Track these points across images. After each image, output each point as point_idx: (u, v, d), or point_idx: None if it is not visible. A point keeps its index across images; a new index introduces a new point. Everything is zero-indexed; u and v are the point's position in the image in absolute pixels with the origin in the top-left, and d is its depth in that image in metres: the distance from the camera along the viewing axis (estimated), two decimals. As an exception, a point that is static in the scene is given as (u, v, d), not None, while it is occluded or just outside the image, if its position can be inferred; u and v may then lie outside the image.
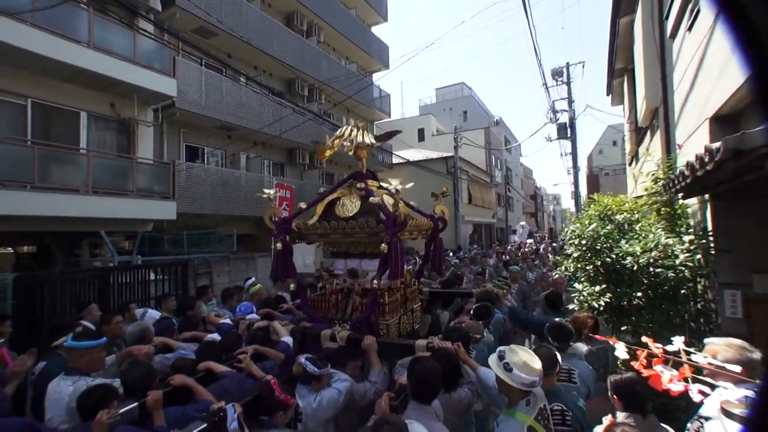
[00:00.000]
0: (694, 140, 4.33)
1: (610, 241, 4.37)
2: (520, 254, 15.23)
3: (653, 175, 4.69)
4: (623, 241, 4.26)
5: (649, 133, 7.68)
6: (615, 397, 2.59)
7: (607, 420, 2.47)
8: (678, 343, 2.08)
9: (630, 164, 10.92)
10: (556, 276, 6.40)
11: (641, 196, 5.02)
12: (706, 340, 2.41)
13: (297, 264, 4.67)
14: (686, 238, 3.96)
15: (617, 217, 4.62)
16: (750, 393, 1.89)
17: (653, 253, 3.86)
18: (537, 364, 2.60)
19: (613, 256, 4.19)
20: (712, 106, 3.73)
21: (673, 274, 3.74)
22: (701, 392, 1.92)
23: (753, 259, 3.71)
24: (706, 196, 3.98)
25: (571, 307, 4.67)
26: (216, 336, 4.18)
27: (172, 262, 9.12)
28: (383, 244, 3.73)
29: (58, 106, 9.56)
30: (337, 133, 4.52)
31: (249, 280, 7.89)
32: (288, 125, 15.11)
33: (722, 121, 3.69)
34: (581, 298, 4.46)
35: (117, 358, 3.70)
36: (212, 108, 13.34)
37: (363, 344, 3.59)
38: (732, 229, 3.80)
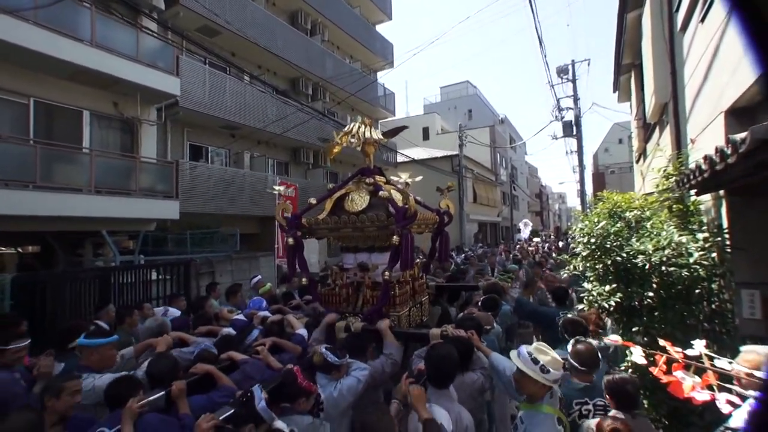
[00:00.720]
0: (707, 135, 4.19)
1: (620, 239, 4.24)
2: (520, 252, 15.24)
3: (664, 171, 4.56)
4: (634, 239, 4.13)
5: (657, 130, 7.52)
6: (608, 396, 2.69)
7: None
8: (699, 347, 1.93)
9: (637, 161, 10.75)
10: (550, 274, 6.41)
11: (651, 193, 4.88)
12: (742, 348, 2.17)
13: (301, 262, 4.70)
14: (700, 235, 3.81)
15: (627, 214, 4.49)
16: None
17: (666, 252, 3.71)
18: (558, 357, 2.69)
19: (624, 255, 4.05)
20: (727, 99, 3.59)
21: (686, 273, 3.59)
22: (730, 402, 1.74)
23: (772, 257, 3.58)
24: (721, 192, 3.85)
25: (580, 307, 4.56)
26: (231, 330, 4.31)
27: (174, 262, 9.07)
28: (395, 236, 3.82)
29: (61, 105, 9.53)
30: (345, 129, 4.61)
31: (255, 278, 7.98)
32: (292, 124, 15.04)
33: (738, 114, 3.55)
34: (590, 297, 4.33)
35: (135, 350, 3.86)
36: (216, 107, 13.28)
37: (378, 325, 3.76)
38: (749, 226, 3.64)
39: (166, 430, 2.58)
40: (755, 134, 2.15)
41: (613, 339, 2.73)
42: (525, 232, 24.88)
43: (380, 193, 4.21)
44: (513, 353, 2.80)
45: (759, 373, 1.86)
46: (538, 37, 11.53)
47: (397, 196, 4.18)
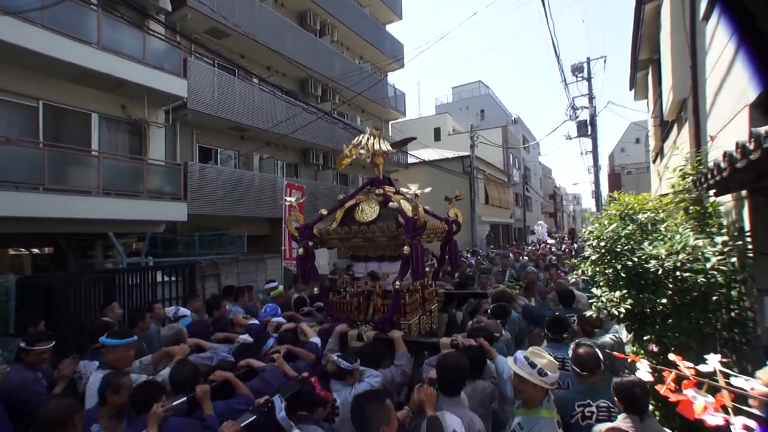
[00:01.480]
0: (729, 131, 3.92)
1: (631, 242, 4.01)
2: (533, 255, 15.05)
3: (681, 170, 4.30)
4: (646, 243, 3.89)
5: (675, 127, 7.23)
6: (616, 398, 2.70)
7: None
8: (713, 362, 1.72)
9: (654, 161, 10.43)
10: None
11: (666, 194, 4.63)
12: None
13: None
14: (719, 239, 3.55)
15: (640, 216, 4.25)
16: None
17: (680, 256, 3.47)
18: (553, 359, 2.81)
19: (635, 259, 3.81)
20: (753, 91, 3.34)
21: (703, 279, 3.34)
22: (746, 427, 1.54)
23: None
24: (743, 192, 3.60)
25: (588, 314, 4.33)
26: (248, 338, 4.44)
27: (179, 264, 9.01)
28: (406, 247, 3.92)
29: (70, 108, 9.56)
30: (354, 141, 4.74)
31: (272, 283, 8.06)
32: (301, 126, 14.95)
33: (765, 108, 3.27)
34: (599, 304, 4.10)
35: (153, 358, 3.98)
36: (225, 109, 13.27)
37: (390, 334, 3.88)
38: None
39: None
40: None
41: (617, 354, 2.51)
42: (541, 234, 24.39)
43: (390, 204, 4.32)
44: (509, 360, 2.89)
45: (762, 387, 1.66)
46: (551, 33, 11.30)
47: (407, 206, 4.28)
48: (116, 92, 10.13)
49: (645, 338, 3.71)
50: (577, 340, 3.60)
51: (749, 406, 1.65)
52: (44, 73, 8.82)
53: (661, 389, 1.75)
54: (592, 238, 4.38)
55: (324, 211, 4.79)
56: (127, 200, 9.65)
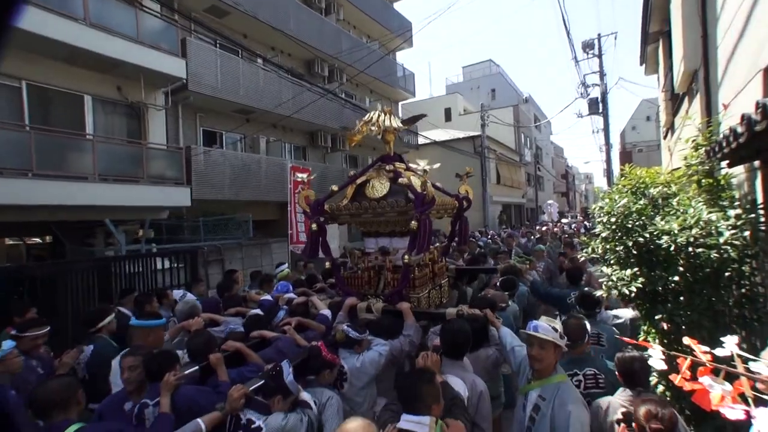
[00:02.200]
0: (742, 98, 3.73)
1: (643, 218, 3.83)
2: (548, 234, 15.06)
3: (693, 141, 4.12)
4: (658, 218, 3.72)
5: (686, 100, 7.03)
6: (618, 373, 2.81)
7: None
8: (731, 345, 1.59)
9: (665, 137, 10.17)
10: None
11: (678, 168, 4.45)
12: None
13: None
14: (731, 212, 3.37)
15: (651, 190, 4.07)
16: None
17: (693, 231, 3.29)
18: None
19: (647, 236, 3.63)
20: (766, 56, 3.16)
21: (716, 255, 3.18)
22: None
23: (810, 235, 3.18)
24: (756, 163, 3.43)
25: (599, 293, 4.20)
26: (259, 311, 4.53)
27: (181, 250, 8.82)
28: (413, 222, 3.99)
29: (59, 89, 9.16)
30: (365, 118, 4.77)
31: (282, 266, 8.07)
32: (308, 108, 14.74)
33: None
34: (610, 283, 3.95)
35: (170, 333, 4.15)
36: (229, 91, 13.05)
37: (399, 306, 3.98)
38: (787, 201, 3.26)
39: (201, 398, 2.79)
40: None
41: (627, 339, 2.39)
42: (552, 214, 24.29)
43: (400, 179, 4.34)
44: (527, 333, 2.87)
45: None
46: (561, 10, 11.03)
47: (417, 182, 4.28)
48: (111, 73, 9.77)
49: (657, 317, 3.58)
50: (570, 313, 3.94)
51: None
52: (27, 51, 8.23)
53: (676, 378, 1.61)
54: (602, 214, 4.23)
55: (335, 187, 4.84)
56: (126, 186, 9.39)
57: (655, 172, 4.31)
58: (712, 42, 5.12)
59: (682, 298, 3.42)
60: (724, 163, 3.63)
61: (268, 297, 5.17)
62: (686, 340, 1.75)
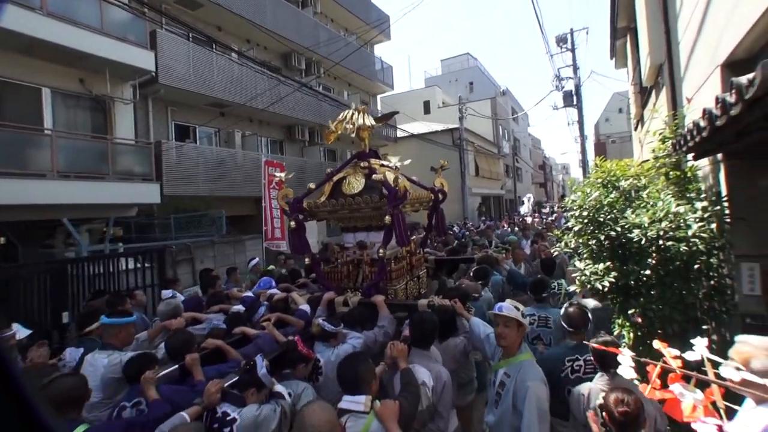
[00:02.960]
0: (704, 92, 3.77)
1: (614, 211, 3.87)
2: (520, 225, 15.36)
3: (660, 134, 4.16)
4: (629, 211, 3.74)
5: (654, 93, 7.15)
6: (593, 357, 2.90)
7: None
8: (701, 348, 1.55)
9: (635, 129, 10.33)
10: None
11: (647, 160, 4.50)
12: (737, 338, 1.73)
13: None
14: (698, 204, 3.42)
15: (622, 183, 4.10)
16: None
17: (663, 224, 3.32)
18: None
19: (618, 229, 3.65)
20: (723, 52, 3.18)
21: (685, 248, 3.21)
22: None
23: (774, 226, 3.24)
24: (719, 155, 3.47)
25: (572, 288, 4.22)
26: (241, 308, 4.59)
27: (147, 250, 8.33)
28: (387, 216, 4.11)
29: (13, 81, 8.66)
30: (339, 117, 4.90)
31: (253, 260, 8.12)
32: (284, 101, 14.56)
33: (736, 68, 3.11)
34: (582, 278, 3.97)
35: (149, 334, 4.18)
36: (202, 84, 12.77)
37: (372, 299, 4.11)
38: (749, 193, 3.30)
39: (177, 398, 2.81)
40: (767, 71, 1.65)
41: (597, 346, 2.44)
42: (527, 207, 24.58)
43: (374, 176, 4.43)
44: (493, 313, 3.13)
45: (750, 376, 1.46)
46: (534, 5, 11.09)
47: (391, 177, 4.35)
48: (74, 65, 9.32)
49: (630, 312, 3.61)
50: (570, 301, 3.92)
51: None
52: None
53: (646, 389, 1.58)
54: (575, 207, 4.25)
55: (313, 185, 4.96)
56: (89, 183, 8.97)
57: (626, 165, 4.33)
58: (674, 37, 5.20)
59: (653, 291, 3.45)
60: (690, 156, 3.67)
61: (249, 294, 5.27)
62: (656, 344, 1.73)
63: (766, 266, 3.28)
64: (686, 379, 1.56)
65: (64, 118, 9.50)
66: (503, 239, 10.70)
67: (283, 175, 4.87)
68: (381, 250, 4.26)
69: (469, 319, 3.71)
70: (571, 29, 20.21)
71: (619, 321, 3.93)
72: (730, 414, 1.44)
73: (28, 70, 8.79)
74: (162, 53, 11.24)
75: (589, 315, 3.50)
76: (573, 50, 20.17)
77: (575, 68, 20.17)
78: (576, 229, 4.21)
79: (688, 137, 2.90)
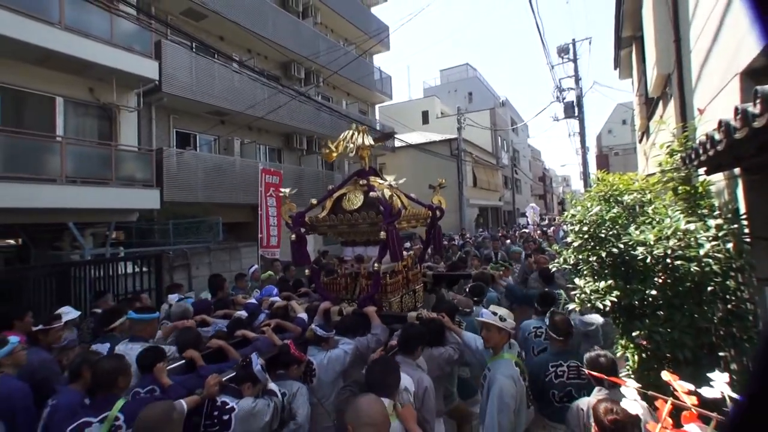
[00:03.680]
0: (719, 102, 3.59)
1: (617, 226, 3.67)
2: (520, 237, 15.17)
3: (668, 147, 3.97)
4: (633, 227, 3.53)
5: (661, 104, 6.98)
6: (588, 372, 2.87)
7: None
8: (720, 384, 1.36)
9: (640, 141, 10.15)
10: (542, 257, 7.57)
11: (653, 174, 4.29)
12: None
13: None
14: (711, 222, 3.17)
15: (626, 198, 3.91)
16: None
17: (671, 242, 3.11)
18: (511, 315, 3.57)
19: (621, 246, 3.44)
20: (743, 59, 2.98)
21: (696, 268, 2.98)
22: None
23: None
24: (737, 170, 3.28)
25: (571, 306, 4.01)
26: (243, 313, 5.02)
27: (146, 254, 8.61)
28: (382, 232, 4.32)
29: (32, 91, 9.06)
30: (340, 137, 5.18)
31: (252, 267, 8.42)
32: (283, 109, 14.54)
33: (757, 76, 2.90)
34: (582, 296, 3.75)
35: (163, 332, 4.57)
36: (203, 92, 12.83)
37: (364, 309, 4.36)
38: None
39: (188, 384, 3.20)
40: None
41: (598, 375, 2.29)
42: (533, 218, 23.83)
43: (371, 194, 4.71)
44: (477, 319, 3.56)
45: None
46: (535, 16, 11.04)
47: (389, 194, 4.61)
48: (83, 75, 9.64)
49: (634, 334, 3.38)
50: (552, 309, 4.29)
51: None
52: (2, 55, 8.31)
53: (655, 429, 1.36)
54: (574, 222, 4.06)
55: (314, 201, 5.23)
56: (94, 188, 9.23)
57: (629, 179, 4.15)
58: (686, 45, 5.03)
59: (660, 312, 3.23)
60: (701, 170, 3.47)
61: (253, 300, 5.67)
62: (665, 376, 1.53)
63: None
64: (704, 419, 1.33)
65: (73, 125, 9.83)
66: (509, 252, 10.67)
67: (287, 191, 5.12)
68: (376, 264, 4.49)
69: (459, 333, 3.98)
70: (573, 39, 20.19)
71: (623, 342, 3.71)
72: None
73: (44, 80, 9.18)
74: (166, 62, 11.37)
75: (573, 323, 3.85)
76: (575, 60, 20.10)
77: (577, 79, 20.07)
78: (575, 244, 4.01)
79: (701, 150, 2.72)
